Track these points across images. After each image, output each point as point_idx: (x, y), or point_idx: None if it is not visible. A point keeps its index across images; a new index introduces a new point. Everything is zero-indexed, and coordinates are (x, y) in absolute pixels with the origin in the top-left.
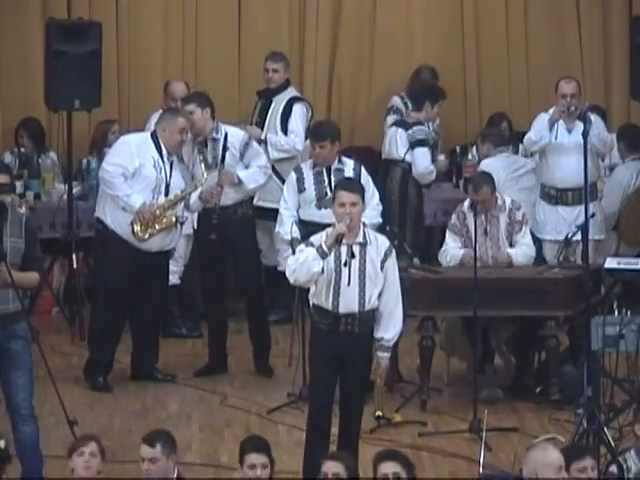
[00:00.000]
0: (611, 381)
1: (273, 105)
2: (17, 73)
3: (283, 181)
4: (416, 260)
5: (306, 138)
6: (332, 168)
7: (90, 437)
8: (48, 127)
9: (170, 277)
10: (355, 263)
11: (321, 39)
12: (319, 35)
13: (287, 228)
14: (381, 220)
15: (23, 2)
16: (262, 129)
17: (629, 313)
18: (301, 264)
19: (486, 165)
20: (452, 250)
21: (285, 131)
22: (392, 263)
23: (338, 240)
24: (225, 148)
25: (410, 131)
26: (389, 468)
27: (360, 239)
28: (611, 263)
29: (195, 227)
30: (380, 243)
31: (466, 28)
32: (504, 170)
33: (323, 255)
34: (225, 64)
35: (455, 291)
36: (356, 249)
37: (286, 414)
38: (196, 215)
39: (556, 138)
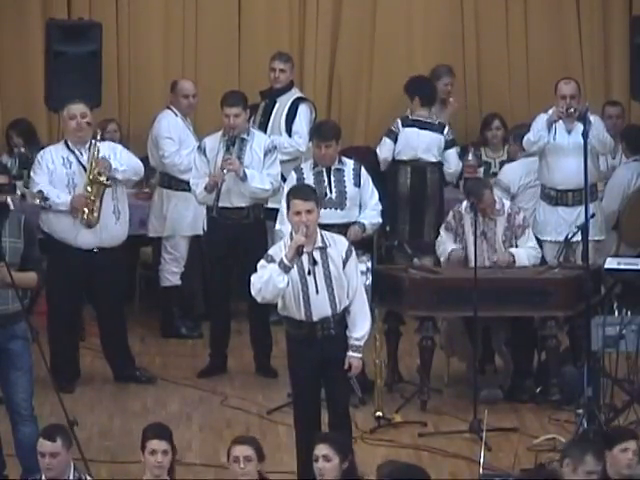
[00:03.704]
0: (611, 381)
1: (277, 105)
2: (17, 73)
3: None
4: (416, 260)
5: (309, 139)
6: (332, 168)
7: None
8: (48, 127)
9: (171, 278)
10: (319, 269)
11: (321, 39)
12: (319, 35)
13: (288, 227)
14: (380, 220)
15: (23, 2)
16: (266, 130)
17: (629, 313)
18: (265, 282)
19: (509, 168)
20: (444, 245)
21: (289, 132)
22: (353, 264)
23: (299, 252)
24: (252, 149)
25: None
26: (240, 451)
27: (319, 243)
28: (611, 263)
29: (205, 229)
30: (339, 244)
31: (466, 29)
32: (525, 177)
33: (286, 269)
34: (225, 64)
35: (455, 291)
36: (317, 255)
37: (286, 414)
38: (205, 217)
39: (555, 139)
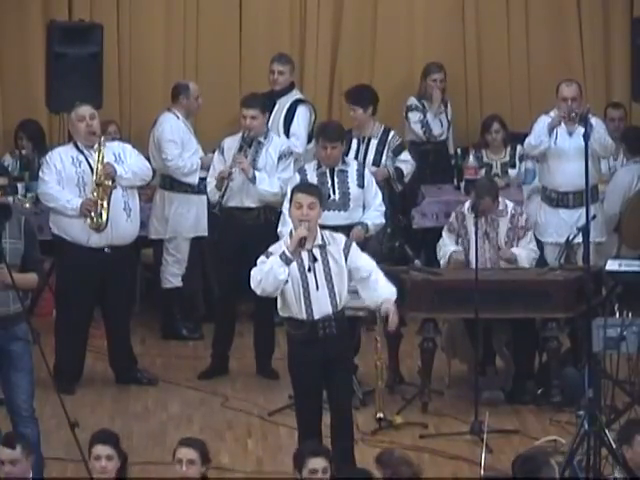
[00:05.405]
0: (612, 383)
1: (277, 107)
2: (18, 75)
3: None
4: (417, 262)
5: (309, 140)
6: (336, 169)
7: None
8: (49, 129)
9: (172, 279)
10: (319, 266)
11: (322, 40)
12: (320, 36)
13: (289, 228)
14: (384, 221)
15: (24, 4)
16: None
17: (630, 315)
18: (266, 273)
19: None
20: (445, 247)
21: (288, 133)
22: (355, 250)
23: (301, 244)
24: (267, 152)
25: None
26: (183, 454)
27: (319, 241)
28: (612, 265)
29: (217, 229)
30: (338, 240)
31: (467, 30)
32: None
33: (287, 261)
34: (226, 66)
35: (456, 293)
36: (317, 252)
37: (287, 416)
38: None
39: (556, 142)
